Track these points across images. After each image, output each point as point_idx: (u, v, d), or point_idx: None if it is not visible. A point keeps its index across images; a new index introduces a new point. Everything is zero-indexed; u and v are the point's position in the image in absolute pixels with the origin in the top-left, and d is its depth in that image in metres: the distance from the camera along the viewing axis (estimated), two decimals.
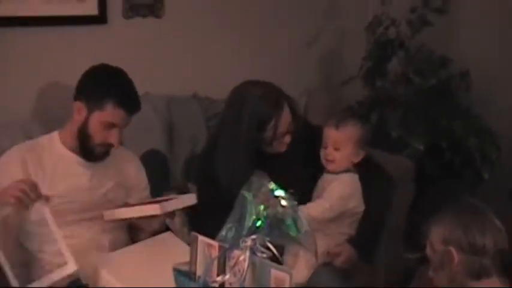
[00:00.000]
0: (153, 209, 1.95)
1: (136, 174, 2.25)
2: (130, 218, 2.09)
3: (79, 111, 2.06)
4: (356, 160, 2.18)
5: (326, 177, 2.22)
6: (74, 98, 2.08)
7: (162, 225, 2.16)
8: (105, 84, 2.05)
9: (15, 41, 2.43)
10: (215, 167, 2.18)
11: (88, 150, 2.08)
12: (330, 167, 2.20)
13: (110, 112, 2.02)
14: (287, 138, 2.16)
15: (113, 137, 2.05)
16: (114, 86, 2.06)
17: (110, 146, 2.07)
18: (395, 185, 2.31)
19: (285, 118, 2.13)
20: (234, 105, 2.16)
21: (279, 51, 3.11)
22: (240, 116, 2.12)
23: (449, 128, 2.97)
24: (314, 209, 2.11)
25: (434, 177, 2.98)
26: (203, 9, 2.88)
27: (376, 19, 3.07)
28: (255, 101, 2.11)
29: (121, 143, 2.12)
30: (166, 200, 2.06)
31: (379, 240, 2.26)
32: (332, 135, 2.17)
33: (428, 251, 1.73)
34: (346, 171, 2.19)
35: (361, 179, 2.21)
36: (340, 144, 2.16)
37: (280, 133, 2.14)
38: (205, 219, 1.98)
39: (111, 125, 2.04)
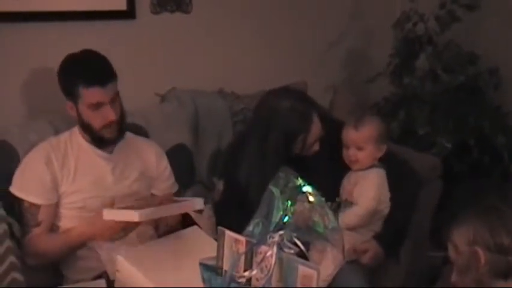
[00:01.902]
0: (131, 216, 1.91)
1: (158, 163, 2.26)
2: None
3: (70, 109, 2.10)
4: (379, 155, 2.18)
5: (354, 174, 2.21)
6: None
7: (178, 222, 2.18)
8: (68, 74, 2.07)
9: (45, 36, 2.45)
10: (241, 172, 2.16)
11: (98, 138, 2.11)
12: (355, 166, 2.20)
13: (86, 95, 2.03)
14: (316, 146, 2.15)
15: (108, 113, 2.05)
16: (74, 71, 2.06)
17: (112, 123, 2.07)
18: (421, 181, 2.30)
19: (315, 129, 2.11)
20: (263, 117, 2.13)
21: (306, 48, 3.10)
22: (268, 129, 2.09)
23: (477, 126, 2.94)
24: (350, 219, 2.13)
25: (462, 175, 2.95)
26: (230, 6, 2.88)
27: (404, 15, 3.04)
28: (285, 115, 2.07)
29: (120, 114, 2.09)
30: (177, 201, 2.08)
31: (405, 236, 2.24)
32: (352, 136, 2.17)
33: (451, 253, 1.71)
34: (373, 166, 2.19)
35: (387, 175, 2.20)
36: (362, 144, 2.16)
37: (310, 144, 2.13)
38: (229, 215, 1.99)
39: (98, 105, 2.04)
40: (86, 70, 2.05)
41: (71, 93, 2.06)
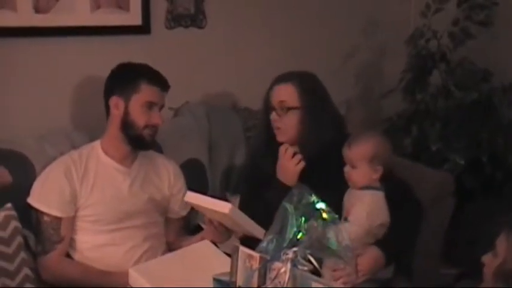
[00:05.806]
0: (221, 207, 1.92)
1: (174, 183, 2.27)
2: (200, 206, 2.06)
3: (116, 105, 2.13)
4: (374, 176, 2.12)
5: (352, 192, 2.16)
6: (107, 97, 2.15)
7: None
8: (133, 70, 2.15)
9: (61, 50, 2.48)
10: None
11: (137, 139, 2.14)
12: (350, 184, 2.17)
13: (146, 91, 2.11)
14: (273, 116, 2.23)
15: (155, 116, 2.13)
16: (141, 69, 2.16)
17: (154, 126, 2.13)
18: (422, 205, 2.24)
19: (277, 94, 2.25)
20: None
21: (319, 63, 3.09)
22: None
23: (491, 143, 2.93)
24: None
25: (474, 192, 2.94)
26: (244, 21, 2.90)
27: (417, 31, 3.04)
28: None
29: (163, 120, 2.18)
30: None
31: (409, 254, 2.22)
32: (345, 153, 2.15)
33: (489, 260, 1.68)
34: (369, 187, 2.14)
35: (388, 201, 2.14)
36: (355, 163, 2.12)
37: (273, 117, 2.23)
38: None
39: (150, 105, 2.11)
40: (152, 71, 2.16)
41: (127, 88, 2.11)
